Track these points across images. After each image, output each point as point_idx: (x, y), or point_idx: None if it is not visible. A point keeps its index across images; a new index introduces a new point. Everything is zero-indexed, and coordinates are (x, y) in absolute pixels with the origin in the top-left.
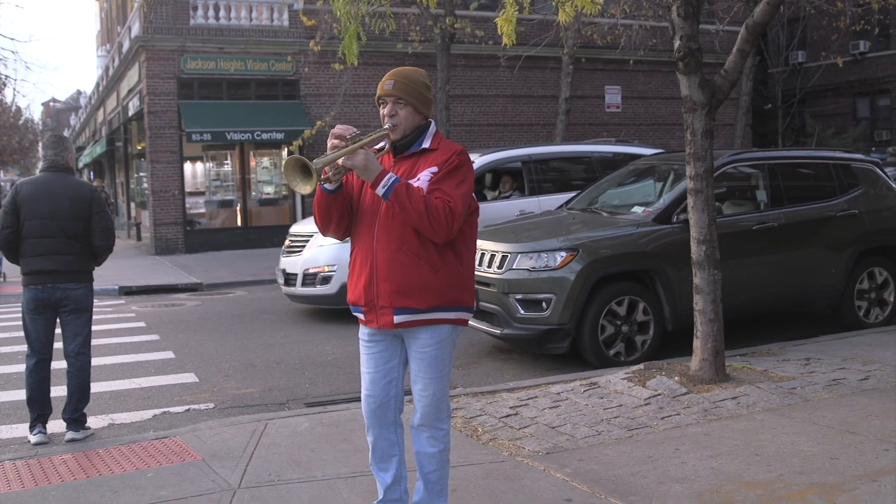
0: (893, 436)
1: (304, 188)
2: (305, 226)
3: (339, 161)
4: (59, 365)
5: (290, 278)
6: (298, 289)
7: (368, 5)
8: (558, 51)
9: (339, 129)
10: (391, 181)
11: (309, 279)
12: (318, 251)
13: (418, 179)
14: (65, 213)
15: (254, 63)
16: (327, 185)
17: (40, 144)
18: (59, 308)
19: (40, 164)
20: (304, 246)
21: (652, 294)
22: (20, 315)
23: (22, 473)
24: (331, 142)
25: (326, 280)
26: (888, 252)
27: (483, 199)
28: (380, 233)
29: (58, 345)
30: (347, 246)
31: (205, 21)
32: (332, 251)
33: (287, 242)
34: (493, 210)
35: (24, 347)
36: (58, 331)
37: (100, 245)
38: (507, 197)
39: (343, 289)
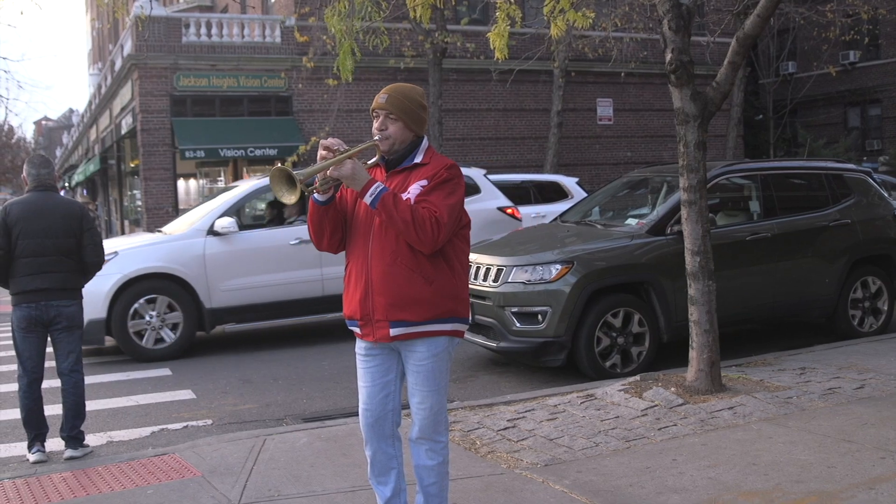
0: (890, 444)
1: (289, 198)
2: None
3: (328, 171)
4: (50, 384)
5: None
6: None
7: (362, 21)
8: (550, 64)
9: (328, 141)
10: (378, 190)
11: None
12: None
13: (408, 192)
14: (58, 230)
15: (246, 80)
16: (318, 197)
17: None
18: (51, 326)
19: (28, 184)
20: None
21: (647, 305)
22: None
23: (21, 492)
24: (320, 153)
25: None
26: (881, 261)
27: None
28: (374, 247)
29: (49, 363)
30: None
31: (197, 38)
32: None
33: None
34: (264, 238)
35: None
36: (49, 349)
37: (91, 261)
38: (292, 223)
39: None
